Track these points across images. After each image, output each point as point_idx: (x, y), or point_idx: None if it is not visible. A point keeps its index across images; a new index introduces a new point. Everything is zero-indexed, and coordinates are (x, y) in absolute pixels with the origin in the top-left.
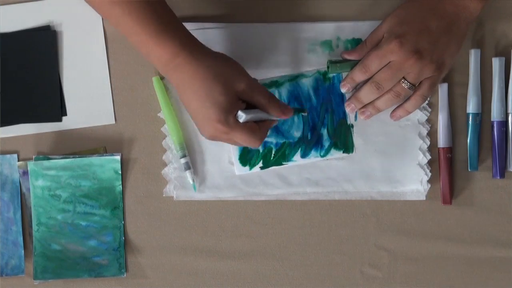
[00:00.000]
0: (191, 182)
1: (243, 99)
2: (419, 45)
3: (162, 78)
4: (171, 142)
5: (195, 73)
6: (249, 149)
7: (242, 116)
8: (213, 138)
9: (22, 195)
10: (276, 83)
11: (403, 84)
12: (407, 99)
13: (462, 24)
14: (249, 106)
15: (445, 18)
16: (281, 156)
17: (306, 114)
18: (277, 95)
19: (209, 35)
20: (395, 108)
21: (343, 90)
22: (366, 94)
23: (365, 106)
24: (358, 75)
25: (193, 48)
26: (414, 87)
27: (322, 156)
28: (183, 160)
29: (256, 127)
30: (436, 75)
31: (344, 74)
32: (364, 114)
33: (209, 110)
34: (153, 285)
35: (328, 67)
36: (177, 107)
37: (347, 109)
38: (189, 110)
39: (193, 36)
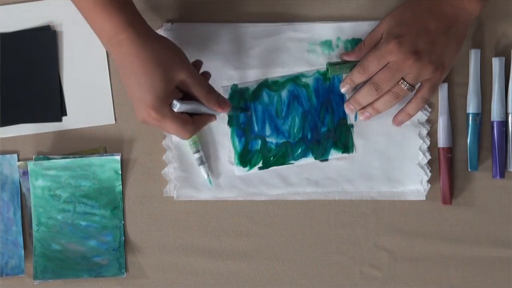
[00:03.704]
0: (205, 176)
1: (182, 89)
2: (418, 46)
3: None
4: (170, 141)
5: (137, 54)
6: (249, 149)
7: (176, 105)
8: (144, 122)
9: (22, 195)
10: (276, 83)
11: (402, 85)
12: (408, 102)
13: (461, 25)
14: (187, 98)
15: (444, 19)
16: (281, 156)
17: (248, 113)
18: (277, 95)
19: (208, 34)
20: (396, 113)
21: (342, 91)
22: (365, 95)
23: (364, 107)
24: (357, 76)
25: (139, 28)
26: (413, 88)
27: (322, 156)
28: (196, 155)
29: (189, 120)
30: (436, 76)
31: (343, 75)
32: (363, 115)
33: (145, 94)
34: (153, 285)
35: (327, 69)
36: None
37: (346, 110)
38: (127, 89)
39: (141, 16)
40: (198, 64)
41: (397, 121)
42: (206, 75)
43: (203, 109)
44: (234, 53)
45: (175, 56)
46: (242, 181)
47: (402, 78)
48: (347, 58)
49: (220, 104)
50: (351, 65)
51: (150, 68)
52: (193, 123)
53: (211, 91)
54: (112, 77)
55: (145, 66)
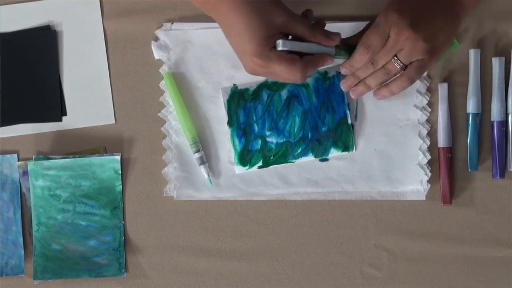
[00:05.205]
0: (206, 176)
1: (286, 32)
2: (416, 21)
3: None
4: (170, 141)
5: (233, 9)
6: (250, 149)
7: (279, 44)
8: (253, 73)
9: (22, 195)
10: (276, 84)
11: (395, 63)
12: (393, 79)
13: (454, 13)
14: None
15: (440, 4)
16: (282, 155)
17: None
18: (277, 95)
19: (210, 35)
20: (379, 87)
21: (343, 72)
22: (364, 69)
23: (356, 84)
24: (360, 58)
25: None
26: (404, 67)
27: (322, 155)
28: (197, 155)
29: (297, 58)
30: (426, 59)
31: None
32: (355, 91)
33: (246, 45)
34: (153, 285)
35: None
36: (187, 102)
37: (343, 87)
38: (231, 44)
39: None
40: (308, 13)
41: (379, 94)
42: (320, 21)
43: (313, 47)
44: (234, 53)
45: (271, 2)
46: (242, 181)
47: (396, 56)
48: (350, 42)
49: (328, 35)
50: (352, 49)
51: (247, 19)
52: (303, 62)
53: (315, 26)
54: (112, 77)
55: (243, 18)
